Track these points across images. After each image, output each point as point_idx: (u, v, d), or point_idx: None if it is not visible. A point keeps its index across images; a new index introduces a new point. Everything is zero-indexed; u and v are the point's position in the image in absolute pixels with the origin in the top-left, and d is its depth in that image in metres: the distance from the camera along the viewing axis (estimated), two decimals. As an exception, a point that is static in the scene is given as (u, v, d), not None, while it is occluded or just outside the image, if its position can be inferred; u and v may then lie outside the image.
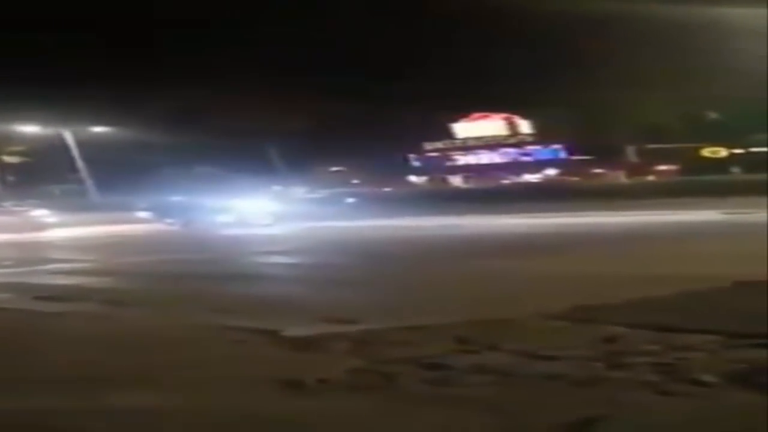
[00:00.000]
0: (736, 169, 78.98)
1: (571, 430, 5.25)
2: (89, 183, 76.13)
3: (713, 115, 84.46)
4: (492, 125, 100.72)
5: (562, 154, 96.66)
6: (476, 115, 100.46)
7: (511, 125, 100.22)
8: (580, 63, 71.94)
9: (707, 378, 6.32)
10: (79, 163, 76.57)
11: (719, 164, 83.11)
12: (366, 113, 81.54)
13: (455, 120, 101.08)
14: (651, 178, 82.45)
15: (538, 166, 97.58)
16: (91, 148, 74.51)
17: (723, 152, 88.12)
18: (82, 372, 7.37)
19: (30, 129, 75.79)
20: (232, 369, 7.40)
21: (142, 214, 40.59)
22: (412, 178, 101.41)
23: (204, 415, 5.95)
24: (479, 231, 27.28)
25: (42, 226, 38.21)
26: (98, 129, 75.85)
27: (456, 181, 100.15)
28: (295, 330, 8.92)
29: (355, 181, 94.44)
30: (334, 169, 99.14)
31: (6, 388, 6.88)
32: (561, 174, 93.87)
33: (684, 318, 8.67)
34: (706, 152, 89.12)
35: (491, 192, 67.60)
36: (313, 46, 78.00)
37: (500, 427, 5.40)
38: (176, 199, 39.02)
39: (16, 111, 68.50)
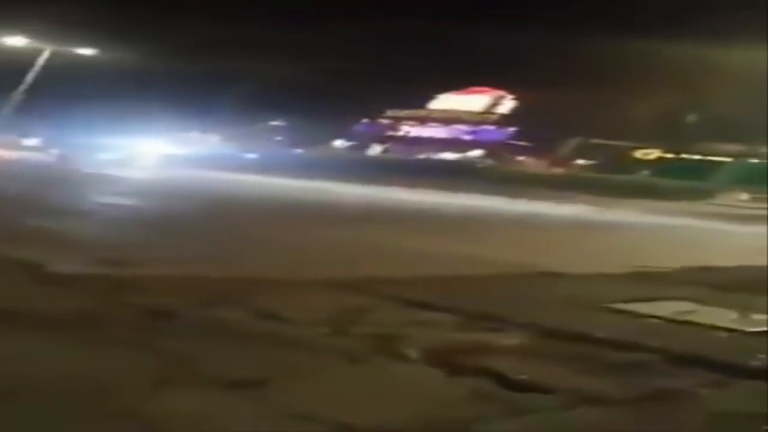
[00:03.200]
0: (645, 172, 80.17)
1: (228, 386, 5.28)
2: (13, 101, 74.00)
3: (691, 118, 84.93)
4: (475, 101, 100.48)
5: (509, 138, 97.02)
6: (474, 88, 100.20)
7: (494, 104, 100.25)
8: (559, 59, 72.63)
9: (409, 353, 6.42)
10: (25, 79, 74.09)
11: (641, 165, 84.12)
12: (348, 73, 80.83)
13: (442, 92, 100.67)
14: (562, 170, 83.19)
15: (469, 145, 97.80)
16: (57, 72, 72.13)
17: (653, 155, 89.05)
18: None
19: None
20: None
21: (30, 142, 39.96)
22: (337, 143, 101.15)
23: None
24: (354, 199, 27.32)
25: None
26: (78, 51, 73.17)
27: (376, 150, 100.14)
28: (60, 267, 8.85)
29: (277, 138, 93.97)
30: (273, 123, 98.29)
31: None
32: (484, 156, 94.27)
33: (448, 297, 8.76)
34: (639, 153, 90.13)
35: (401, 164, 67.79)
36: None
37: (160, 375, 5.39)
38: (64, 129, 38.30)
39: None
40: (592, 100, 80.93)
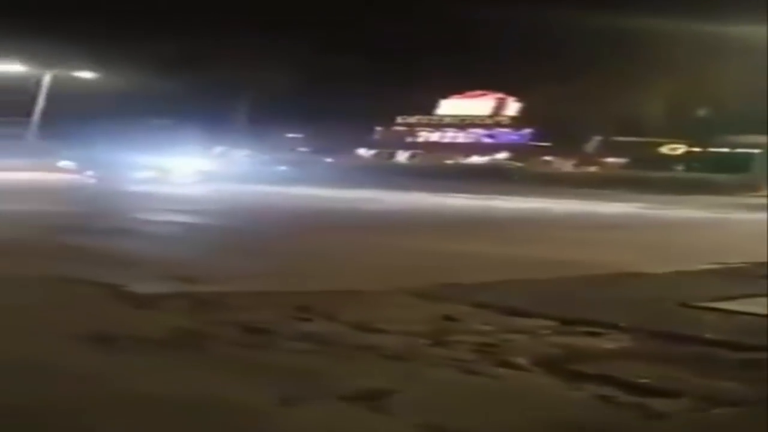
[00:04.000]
0: (680, 167, 79.50)
1: (351, 399, 5.15)
2: (34, 127, 74.63)
3: (693, 114, 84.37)
4: (482, 105, 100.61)
5: (528, 139, 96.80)
6: (474, 92, 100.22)
7: (500, 106, 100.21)
8: (569, 55, 72.55)
9: (518, 361, 6.27)
10: (38, 106, 74.74)
11: (673, 161, 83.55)
12: (351, 82, 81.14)
13: (446, 96, 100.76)
14: (595, 169, 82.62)
15: (494, 149, 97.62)
16: (61, 94, 72.63)
17: (680, 150, 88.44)
18: None
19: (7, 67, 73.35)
20: (50, 320, 7.22)
21: (65, 164, 40.01)
22: (361, 151, 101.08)
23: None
24: (398, 207, 27.13)
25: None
26: (77, 74, 73.72)
27: (402, 157, 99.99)
28: (138, 287, 8.74)
29: (302, 149, 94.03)
30: (291, 135, 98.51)
31: None
32: (511, 158, 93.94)
33: (537, 302, 8.59)
34: (665, 149, 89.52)
35: (431, 170, 67.57)
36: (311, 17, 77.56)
37: (283, 392, 5.26)
38: (97, 151, 38.29)
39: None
40: (599, 96, 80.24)
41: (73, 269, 9.75)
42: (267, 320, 7.33)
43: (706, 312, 8.38)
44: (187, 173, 36.56)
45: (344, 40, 78.53)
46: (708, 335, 7.19)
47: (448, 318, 7.72)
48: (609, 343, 7.00)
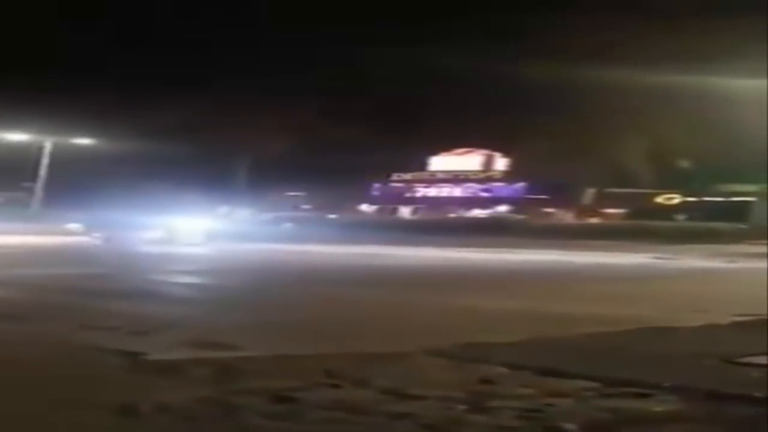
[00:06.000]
0: (681, 217, 79.63)
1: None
2: (38, 194, 74.84)
3: (682, 164, 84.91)
4: (471, 161, 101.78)
5: (523, 192, 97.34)
6: (460, 149, 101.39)
7: (488, 162, 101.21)
8: (557, 109, 73.21)
9: (567, 426, 5.91)
10: (40, 173, 75.04)
11: (670, 211, 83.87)
12: (344, 141, 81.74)
13: (435, 153, 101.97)
14: (596, 220, 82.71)
15: (492, 202, 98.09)
16: (63, 161, 73.09)
17: (676, 200, 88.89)
18: None
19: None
20: (71, 390, 6.88)
21: (73, 227, 39.84)
22: (364, 207, 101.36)
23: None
24: (408, 262, 26.79)
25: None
26: (77, 141, 74.23)
27: (405, 212, 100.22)
28: (158, 354, 8.40)
29: (305, 206, 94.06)
30: (292, 193, 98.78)
31: None
32: (512, 211, 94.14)
33: (573, 361, 8.24)
34: (661, 199, 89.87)
35: (435, 224, 67.37)
36: (303, 72, 78.23)
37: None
38: (103, 213, 38.20)
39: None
40: (589, 149, 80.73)
41: (89, 336, 9.44)
42: (293, 387, 6.97)
43: (751, 368, 8.02)
44: (193, 233, 36.32)
45: (338, 104, 79.08)
46: (759, 394, 6.82)
47: (485, 381, 7.37)
48: (658, 405, 6.63)
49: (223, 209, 77.40)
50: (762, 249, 37.03)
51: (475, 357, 8.53)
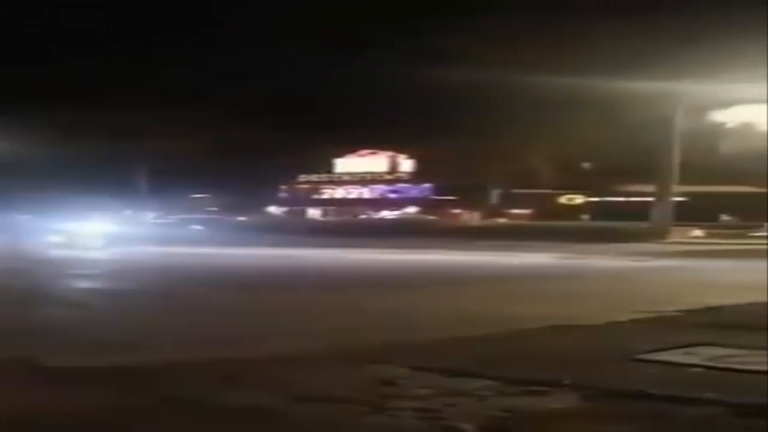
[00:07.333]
0: (585, 217, 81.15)
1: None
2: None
3: (583, 165, 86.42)
4: (376, 162, 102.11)
5: (430, 194, 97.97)
6: (364, 151, 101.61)
7: (394, 163, 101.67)
8: (462, 111, 73.80)
9: (463, 426, 5.92)
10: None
11: (574, 211, 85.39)
12: (249, 143, 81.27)
13: (341, 155, 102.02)
14: (503, 220, 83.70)
15: (401, 203, 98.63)
16: None
17: (580, 200, 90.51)
18: None
19: None
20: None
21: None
22: (272, 209, 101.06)
23: None
24: (320, 264, 26.71)
25: None
26: None
27: (315, 213, 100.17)
28: (53, 360, 8.20)
29: (212, 209, 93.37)
30: (197, 196, 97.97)
31: None
32: (421, 212, 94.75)
33: (475, 361, 8.27)
34: (564, 199, 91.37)
35: (345, 226, 67.33)
36: (205, 74, 77.60)
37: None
38: (4, 218, 37.49)
39: None
40: (493, 151, 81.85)
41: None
42: (195, 392, 6.88)
43: (649, 365, 8.14)
44: (93, 237, 35.71)
45: (241, 107, 78.69)
46: (655, 390, 6.92)
47: (386, 383, 7.35)
48: (555, 402, 6.68)
49: (127, 213, 76.56)
50: (666, 248, 37.87)
51: (377, 358, 8.52)
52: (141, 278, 20.25)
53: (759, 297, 13.90)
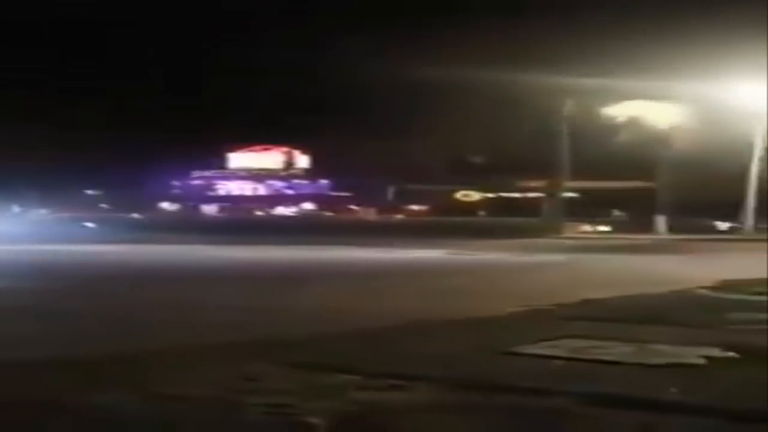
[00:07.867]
0: (480, 212, 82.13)
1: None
2: None
3: (476, 161, 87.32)
4: (271, 158, 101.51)
5: (326, 190, 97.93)
6: (258, 147, 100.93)
7: (289, 159, 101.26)
8: (356, 106, 73.97)
9: (312, 420, 5.89)
10: None
11: (469, 207, 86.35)
12: (140, 138, 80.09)
13: (233, 150, 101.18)
14: (399, 216, 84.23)
15: (297, 199, 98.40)
16: None
17: (475, 196, 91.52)
18: None
19: None
20: None
21: None
22: (165, 205, 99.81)
23: None
24: (212, 262, 26.36)
25: None
26: None
27: (210, 210, 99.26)
28: None
29: (103, 206, 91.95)
30: (90, 192, 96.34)
31: None
32: (317, 209, 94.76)
33: (341, 357, 8.24)
34: (459, 195, 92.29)
35: (240, 222, 66.83)
36: (93, 67, 76.26)
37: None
38: None
39: None
40: (387, 147, 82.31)
41: None
42: (56, 392, 6.72)
43: (517, 358, 8.21)
44: None
45: (130, 101, 77.66)
46: (523, 383, 6.98)
47: (249, 378, 7.27)
48: (414, 396, 6.68)
49: (16, 209, 74.99)
50: (552, 243, 38.47)
51: (244, 355, 8.45)
52: (18, 277, 19.71)
53: (634, 290, 14.23)
